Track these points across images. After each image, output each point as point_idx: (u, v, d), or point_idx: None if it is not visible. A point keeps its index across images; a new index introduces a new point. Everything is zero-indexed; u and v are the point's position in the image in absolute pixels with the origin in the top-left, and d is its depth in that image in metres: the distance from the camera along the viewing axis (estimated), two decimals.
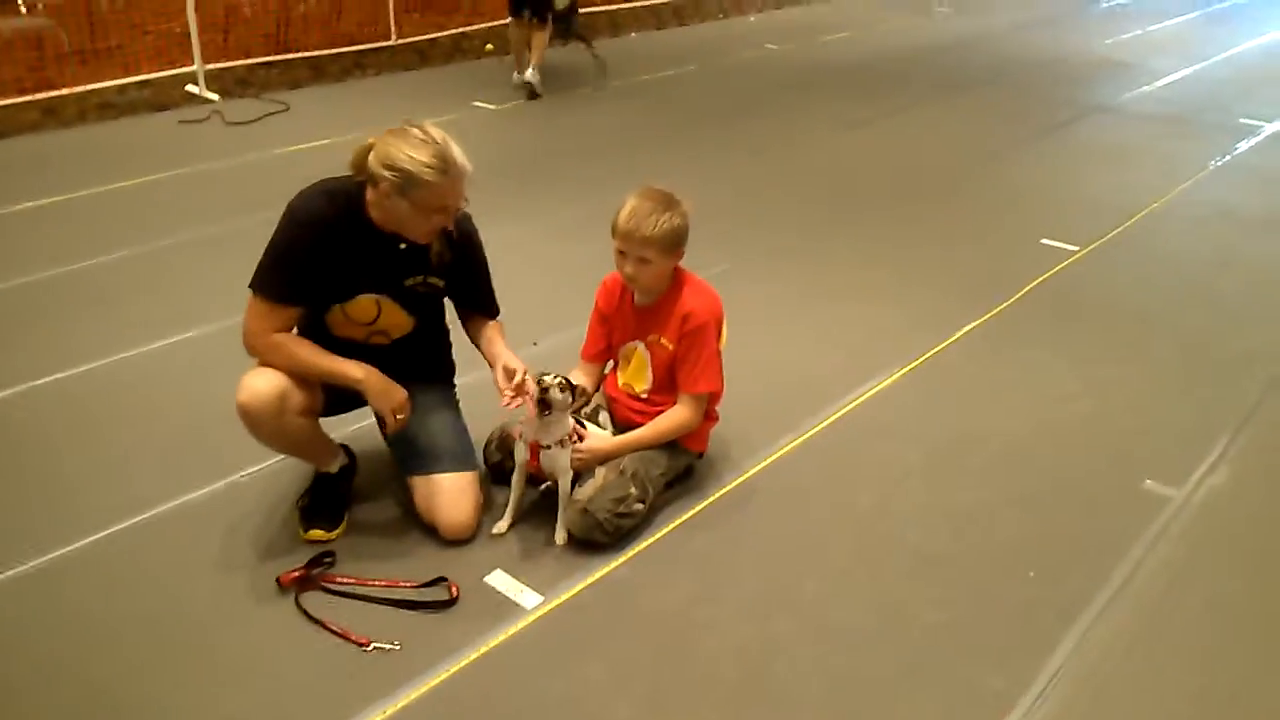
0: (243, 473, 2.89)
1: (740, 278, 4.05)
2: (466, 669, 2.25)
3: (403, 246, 2.50)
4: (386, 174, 2.32)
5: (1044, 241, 4.70)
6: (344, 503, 2.71)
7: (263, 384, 2.40)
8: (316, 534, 2.61)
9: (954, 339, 3.79)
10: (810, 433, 3.17)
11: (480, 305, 2.76)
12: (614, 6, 9.89)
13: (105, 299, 4.01)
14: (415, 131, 2.36)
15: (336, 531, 2.64)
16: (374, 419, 2.76)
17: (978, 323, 3.91)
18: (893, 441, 3.16)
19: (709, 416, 2.86)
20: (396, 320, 2.62)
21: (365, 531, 2.69)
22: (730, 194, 5.32)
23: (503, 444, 2.81)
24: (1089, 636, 2.36)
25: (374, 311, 2.58)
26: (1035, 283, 4.27)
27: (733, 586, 2.53)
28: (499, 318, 2.78)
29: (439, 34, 8.72)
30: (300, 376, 2.45)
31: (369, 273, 2.52)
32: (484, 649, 2.30)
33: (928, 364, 3.62)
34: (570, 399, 2.57)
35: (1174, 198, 5.35)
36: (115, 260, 4.37)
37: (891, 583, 2.55)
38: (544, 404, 2.52)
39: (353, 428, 2.92)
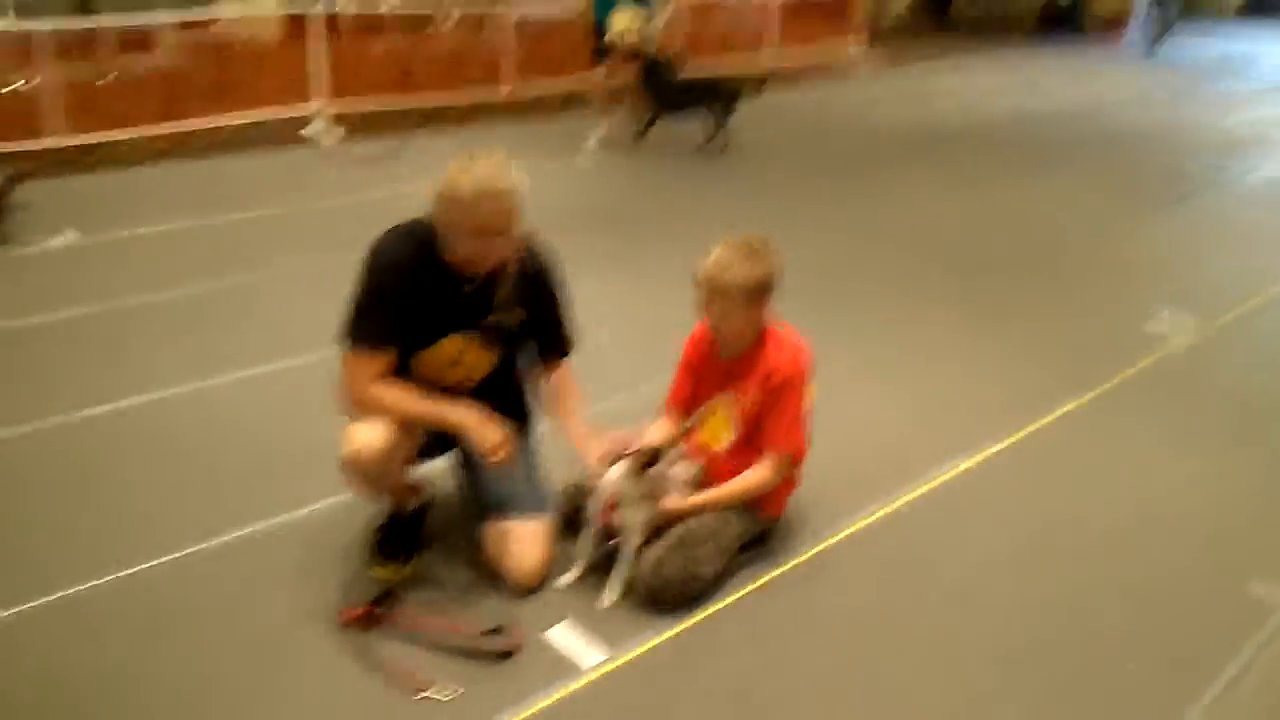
0: (313, 506, 2.90)
1: (835, 337, 3.94)
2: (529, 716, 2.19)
3: (467, 289, 2.48)
4: (433, 202, 2.34)
5: (1155, 319, 4.49)
6: (415, 543, 2.69)
7: (373, 438, 2.39)
8: (384, 572, 2.59)
9: (1054, 416, 3.62)
10: (894, 505, 3.05)
11: (553, 341, 2.70)
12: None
13: (197, 327, 4.12)
14: (464, 157, 2.36)
15: (405, 571, 2.62)
16: (454, 458, 2.76)
17: (1080, 402, 3.73)
18: (983, 522, 3.02)
19: (788, 481, 2.77)
20: (480, 360, 2.61)
21: (432, 573, 2.66)
22: (832, 253, 5.24)
23: (577, 495, 2.76)
24: None
25: (457, 351, 2.56)
26: (1144, 363, 4.07)
27: (802, 663, 2.42)
28: (568, 360, 2.73)
29: (551, 88, 8.88)
30: (404, 424, 2.44)
31: (450, 311, 2.51)
32: (537, 707, 2.23)
33: (1025, 442, 3.46)
34: (684, 472, 2.56)
35: None
36: (217, 288, 4.50)
37: (972, 674, 2.41)
38: (650, 463, 2.50)
39: (433, 468, 2.91)
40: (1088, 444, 3.48)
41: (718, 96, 7.20)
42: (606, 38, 7.09)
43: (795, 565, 2.76)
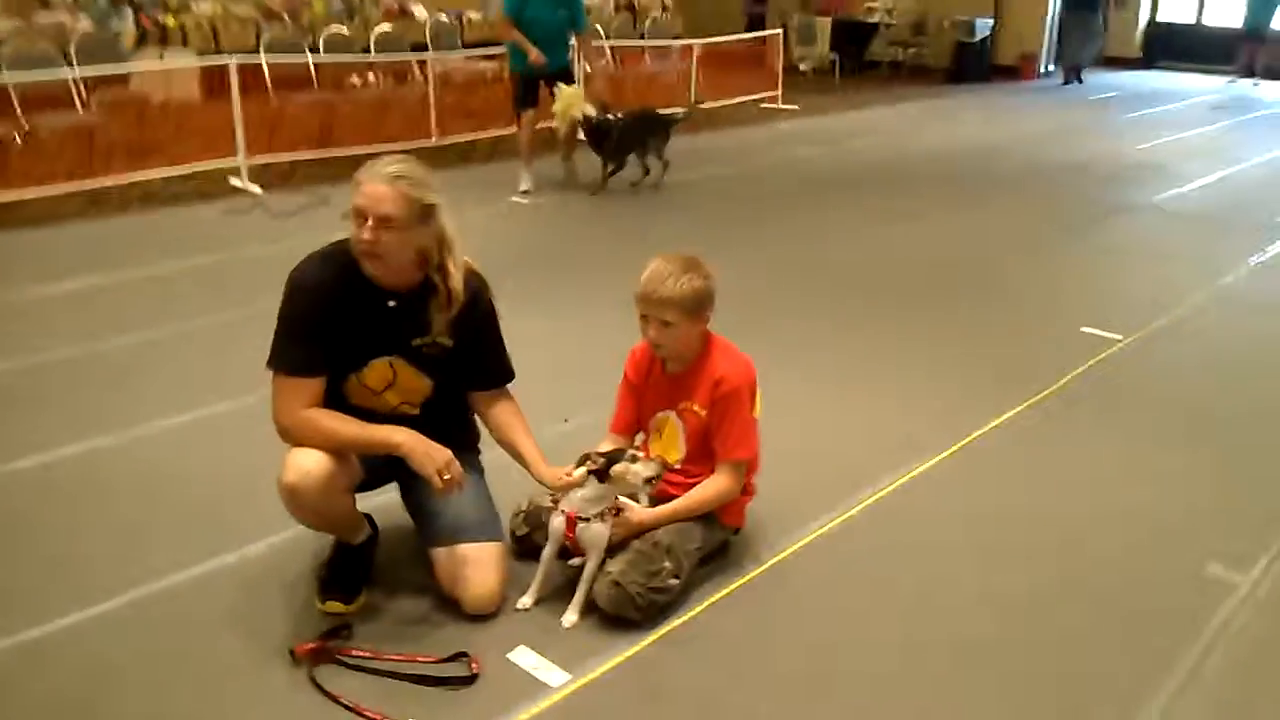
0: (255, 545, 2.79)
1: (774, 365, 3.91)
2: None
3: (391, 304, 2.44)
4: None
5: (1084, 330, 4.60)
6: (365, 575, 2.60)
7: (312, 464, 2.32)
8: (335, 605, 2.50)
9: (997, 423, 3.66)
10: (849, 514, 3.04)
11: (489, 371, 2.65)
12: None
13: (128, 377, 3.99)
14: None
15: (356, 604, 2.53)
16: (398, 491, 2.69)
17: (1021, 408, 3.79)
18: (936, 526, 3.03)
19: (745, 490, 2.75)
20: (414, 384, 2.54)
21: (385, 605, 2.57)
22: (765, 284, 5.28)
23: (531, 518, 2.71)
24: None
25: (389, 376, 2.51)
26: (1078, 370, 4.15)
27: (767, 671, 2.38)
28: (509, 388, 2.70)
29: (479, 135, 8.89)
30: (339, 451, 2.37)
31: (374, 332, 2.45)
32: None
33: (970, 448, 3.49)
34: (645, 470, 2.50)
35: (1214, 292, 5.25)
36: (141, 340, 4.36)
37: (936, 672, 2.39)
38: (608, 466, 2.45)
39: (376, 500, 2.83)
40: (1034, 446, 3.53)
41: (654, 131, 7.34)
42: (555, 122, 7.19)
43: (755, 575, 2.73)
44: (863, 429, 3.69)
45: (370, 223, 2.30)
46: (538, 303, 4.60)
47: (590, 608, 2.51)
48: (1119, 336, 4.52)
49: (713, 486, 2.64)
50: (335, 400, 2.46)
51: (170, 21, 9.50)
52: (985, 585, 2.72)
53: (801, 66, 13.70)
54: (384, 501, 2.78)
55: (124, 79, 8.12)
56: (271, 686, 2.27)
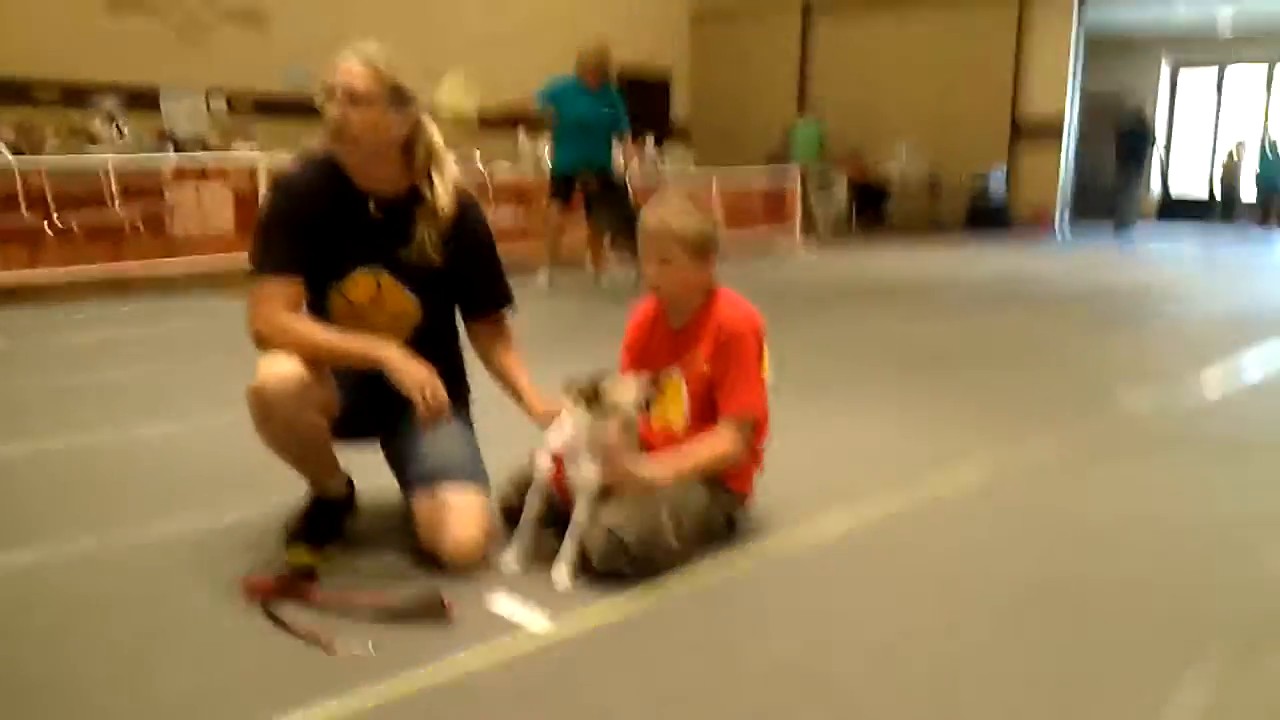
0: (232, 513, 2.59)
1: (810, 401, 3.76)
2: (451, 677, 1.86)
3: (372, 208, 2.33)
4: None
5: (1117, 390, 4.40)
6: (336, 530, 2.40)
7: (284, 368, 2.16)
8: (299, 554, 2.27)
9: (1030, 448, 3.45)
10: (867, 518, 2.79)
11: (482, 293, 2.53)
12: None
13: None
14: None
15: (325, 556, 2.30)
16: (378, 444, 2.50)
17: (1047, 442, 3.56)
18: (966, 523, 2.78)
19: (754, 456, 2.54)
20: (400, 304, 2.40)
21: (357, 563, 2.35)
22: (800, 359, 5.10)
23: (521, 486, 2.48)
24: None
25: (373, 288, 2.37)
26: (1111, 416, 3.95)
27: (772, 637, 2.12)
28: (510, 317, 2.57)
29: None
30: (317, 361, 2.21)
31: (357, 238, 2.34)
32: (475, 663, 1.91)
33: (1004, 466, 3.27)
34: (641, 403, 2.29)
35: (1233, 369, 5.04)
36: None
37: (936, 672, 2.13)
38: (596, 392, 2.24)
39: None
40: (1062, 469, 3.29)
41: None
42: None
43: (768, 553, 2.49)
44: (889, 452, 3.47)
45: (339, 96, 2.23)
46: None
47: (584, 567, 2.27)
48: (1150, 397, 4.32)
49: (714, 446, 2.43)
50: (320, 315, 2.34)
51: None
52: (1020, 571, 2.46)
53: (819, 226, 13.79)
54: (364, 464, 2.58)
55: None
56: (215, 615, 2.07)
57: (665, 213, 2.43)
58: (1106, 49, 15.11)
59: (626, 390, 2.27)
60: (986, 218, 14.19)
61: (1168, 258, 11.44)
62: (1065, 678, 1.92)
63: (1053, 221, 14.51)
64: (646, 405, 2.31)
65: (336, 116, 2.23)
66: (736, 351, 2.44)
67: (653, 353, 2.58)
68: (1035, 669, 1.96)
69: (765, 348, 2.52)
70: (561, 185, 7.06)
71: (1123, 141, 13.67)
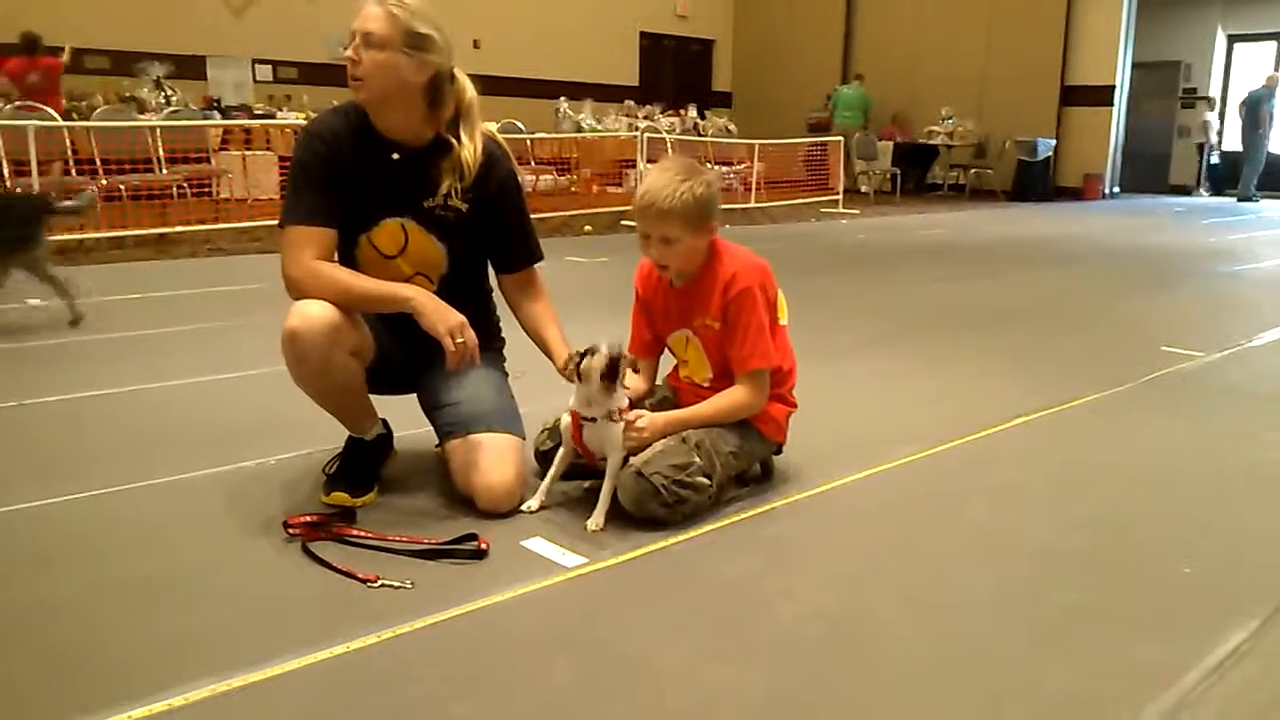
0: (269, 458, 2.63)
1: (860, 356, 3.76)
2: (488, 609, 1.88)
3: (395, 156, 2.34)
4: None
5: (1164, 349, 4.32)
6: (375, 473, 2.43)
7: (317, 310, 2.18)
8: (340, 497, 2.31)
9: (1073, 403, 3.39)
10: (913, 457, 2.79)
11: (512, 250, 2.51)
12: None
13: None
14: None
15: (362, 499, 2.34)
16: (415, 395, 2.52)
17: (1097, 396, 3.51)
18: (1009, 468, 2.76)
19: (784, 401, 2.52)
20: (427, 252, 2.41)
21: (395, 503, 2.38)
22: (832, 316, 5.09)
23: (555, 434, 2.48)
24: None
25: (400, 237, 2.38)
26: (1158, 373, 3.88)
27: (813, 566, 2.14)
28: (535, 269, 2.56)
29: (550, 214, 9.06)
30: (347, 305, 2.23)
31: (383, 187, 2.35)
32: (510, 595, 1.93)
33: (1046, 418, 3.23)
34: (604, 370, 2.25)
35: None
36: None
37: (1011, 568, 2.12)
38: (609, 373, 2.23)
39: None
40: (1109, 420, 3.25)
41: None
42: None
43: (805, 496, 2.49)
44: (930, 406, 3.44)
45: (356, 40, 2.23)
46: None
47: (619, 513, 2.27)
48: (1199, 353, 4.23)
49: (732, 397, 2.41)
50: (349, 264, 2.35)
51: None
52: (1062, 511, 2.44)
53: (862, 187, 13.70)
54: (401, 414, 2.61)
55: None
56: (255, 549, 2.12)
57: (660, 194, 2.31)
58: (1158, 11, 14.70)
59: (597, 360, 2.24)
60: (1033, 183, 13.96)
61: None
62: (1110, 615, 1.90)
63: (1101, 189, 14.23)
64: (610, 374, 2.25)
65: (351, 58, 2.24)
66: (745, 307, 2.38)
67: (663, 310, 2.55)
68: (1073, 610, 1.94)
69: (777, 291, 2.48)
70: None
71: (1248, 115, 13.69)
